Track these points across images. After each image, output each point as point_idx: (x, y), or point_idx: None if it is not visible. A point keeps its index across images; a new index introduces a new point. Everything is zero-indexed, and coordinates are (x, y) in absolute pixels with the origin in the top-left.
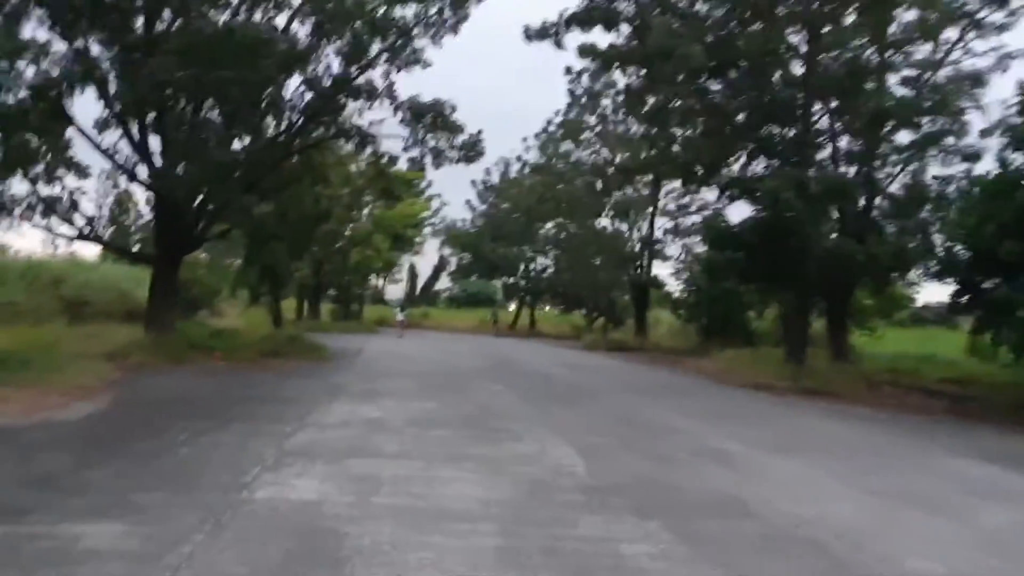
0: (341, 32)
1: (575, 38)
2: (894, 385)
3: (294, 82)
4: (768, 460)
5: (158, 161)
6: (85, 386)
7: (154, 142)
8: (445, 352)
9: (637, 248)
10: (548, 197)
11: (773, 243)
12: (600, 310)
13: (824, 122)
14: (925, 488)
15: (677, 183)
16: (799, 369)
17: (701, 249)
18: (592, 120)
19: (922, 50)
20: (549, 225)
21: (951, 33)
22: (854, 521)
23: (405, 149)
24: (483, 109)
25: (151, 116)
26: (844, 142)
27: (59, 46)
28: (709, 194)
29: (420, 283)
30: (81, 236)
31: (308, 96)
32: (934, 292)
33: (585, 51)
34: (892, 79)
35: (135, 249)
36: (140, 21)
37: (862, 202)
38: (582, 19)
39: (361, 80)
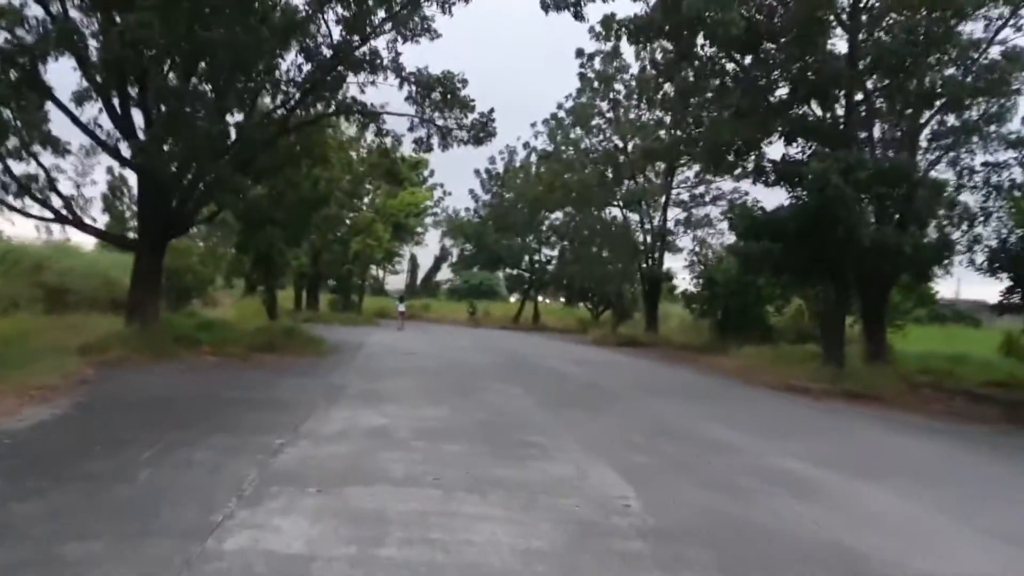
0: None
1: (597, 9)
2: (934, 388)
3: (291, 52)
4: (852, 488)
5: (143, 137)
6: (48, 385)
7: (138, 117)
8: (449, 347)
9: (648, 240)
10: (557, 185)
11: (815, 232)
12: (607, 303)
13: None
14: None
15: (690, 173)
16: (837, 370)
17: (717, 240)
18: (604, 106)
19: (969, 28)
20: (555, 215)
21: (1002, 10)
22: None
23: (411, 128)
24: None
25: (134, 89)
26: (880, 125)
27: (35, 11)
28: (725, 183)
29: (421, 274)
30: (58, 218)
31: (306, 67)
32: (946, 288)
33: (607, 23)
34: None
35: (124, 234)
36: None
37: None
38: None
39: (364, 51)
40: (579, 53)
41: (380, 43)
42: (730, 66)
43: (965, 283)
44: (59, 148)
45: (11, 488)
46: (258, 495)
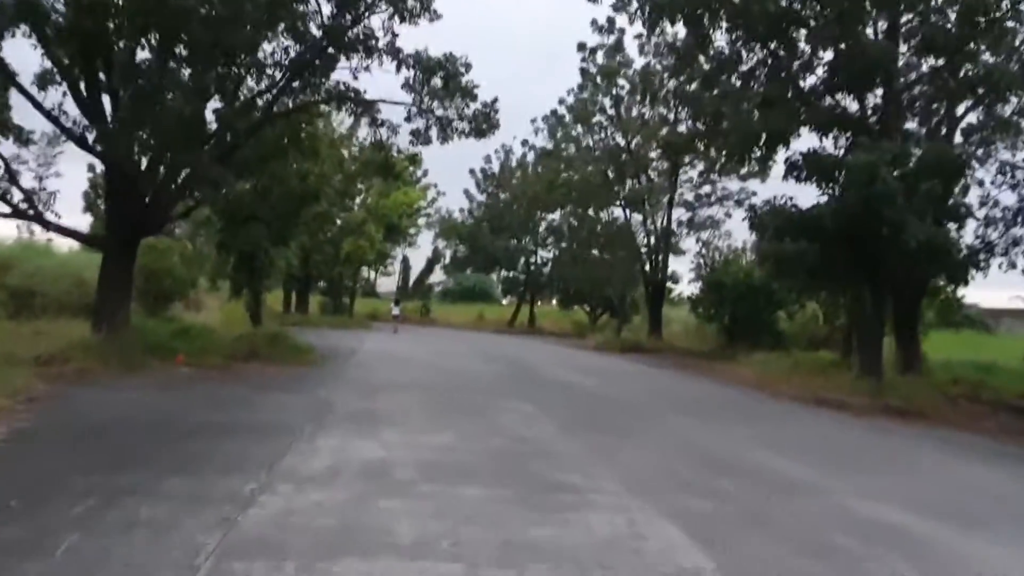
0: None
1: None
2: (970, 400)
3: (276, 30)
4: (971, 548)
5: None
6: None
7: (109, 104)
8: (447, 354)
9: (652, 241)
10: (558, 184)
11: (856, 232)
12: (606, 307)
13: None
14: None
15: (694, 172)
16: (875, 383)
17: (724, 242)
18: (607, 102)
19: None
20: (553, 216)
21: None
22: None
23: (408, 118)
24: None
25: (101, 73)
26: (912, 117)
27: None
28: (732, 183)
29: (413, 276)
30: (16, 213)
31: (293, 48)
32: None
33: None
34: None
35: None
36: None
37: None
38: None
39: (357, 31)
40: (581, 47)
41: (375, 23)
42: (756, 53)
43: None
44: (21, 137)
45: None
46: None
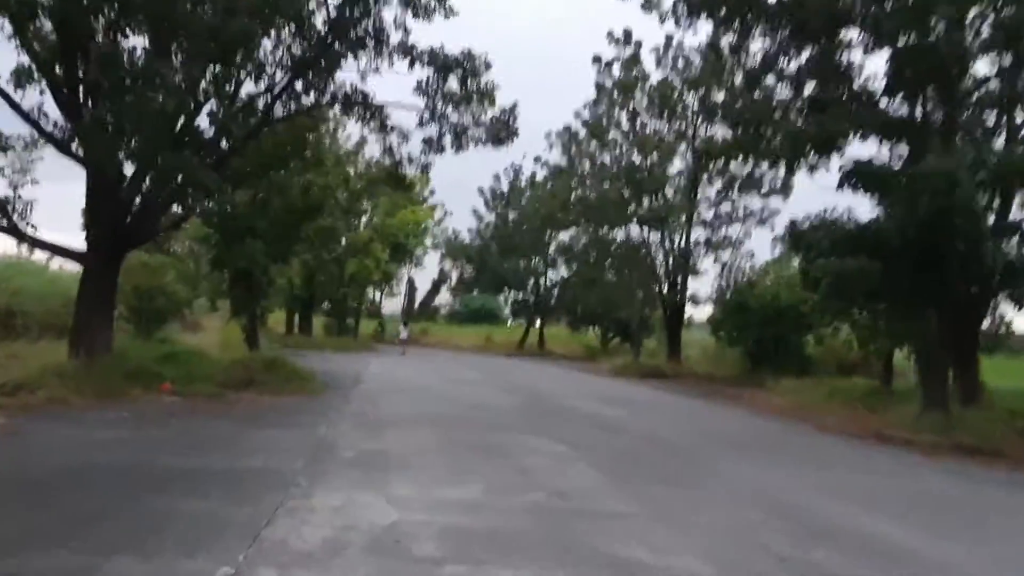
0: None
1: None
2: None
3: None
4: None
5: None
6: None
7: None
8: (459, 381)
9: (670, 262)
10: (574, 202)
11: (926, 248)
12: (618, 330)
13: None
14: None
15: (711, 191)
16: (944, 418)
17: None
18: (623, 116)
19: None
20: (564, 236)
21: None
22: None
23: (420, 124)
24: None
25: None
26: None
27: None
28: (754, 201)
29: (419, 298)
30: None
31: (295, 46)
32: None
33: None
34: None
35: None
36: None
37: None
38: None
39: (366, 26)
40: (596, 60)
41: (386, 17)
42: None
43: None
44: None
45: None
46: None
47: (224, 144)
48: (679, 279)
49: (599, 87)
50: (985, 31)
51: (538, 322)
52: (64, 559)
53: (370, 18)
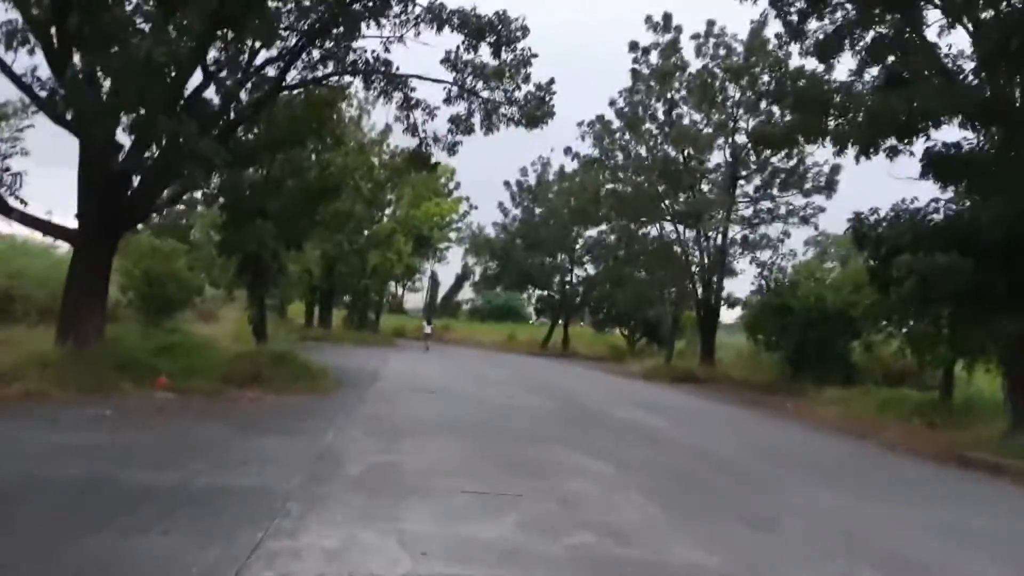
0: None
1: None
2: None
3: None
4: None
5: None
6: None
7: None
8: (483, 380)
9: (707, 260)
10: (605, 195)
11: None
12: (645, 330)
13: None
14: None
15: (749, 188)
16: None
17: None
18: (659, 107)
19: None
20: (592, 232)
21: None
22: None
23: (447, 101)
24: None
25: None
26: None
27: None
28: (796, 198)
29: (441, 293)
30: None
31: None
32: None
33: None
34: None
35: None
36: None
37: None
38: None
39: None
40: (633, 46)
41: None
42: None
43: None
44: None
45: None
46: None
47: (232, 115)
48: (714, 279)
49: (635, 74)
50: None
51: (562, 321)
52: None
53: None
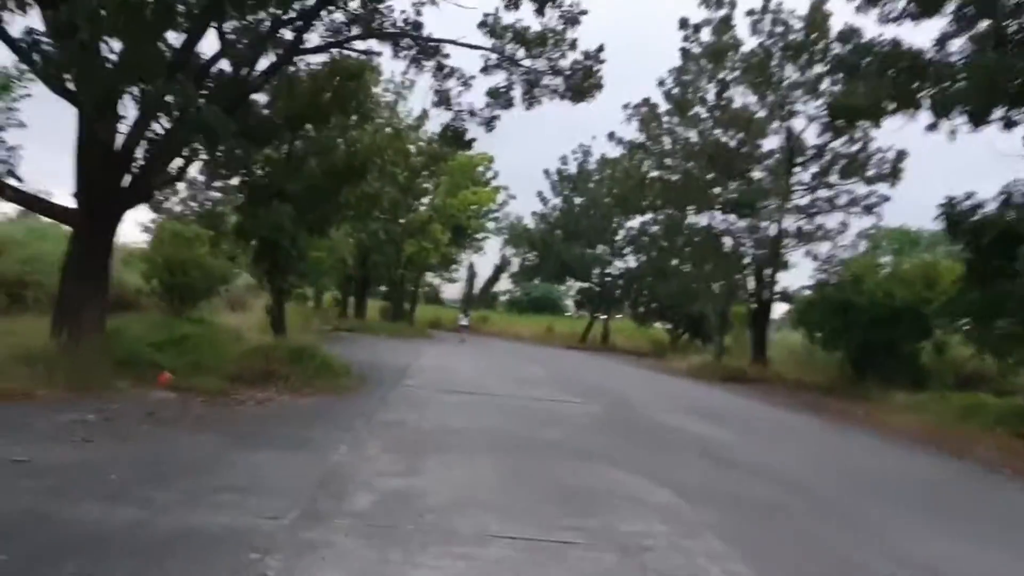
0: None
1: None
2: None
3: None
4: None
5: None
6: None
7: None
8: (522, 379)
9: (758, 252)
10: (652, 181)
11: None
12: (688, 325)
13: None
14: None
15: (806, 175)
16: None
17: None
18: (710, 89)
19: None
20: (634, 222)
21: None
22: None
23: (484, 70)
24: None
25: None
26: None
27: None
28: (858, 186)
29: (479, 284)
30: None
31: None
32: None
33: None
34: None
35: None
36: None
37: None
38: None
39: None
40: (683, 24)
41: None
42: None
43: None
44: None
45: None
46: None
47: (245, 84)
48: (767, 272)
49: (685, 53)
50: None
51: (604, 314)
52: None
53: None
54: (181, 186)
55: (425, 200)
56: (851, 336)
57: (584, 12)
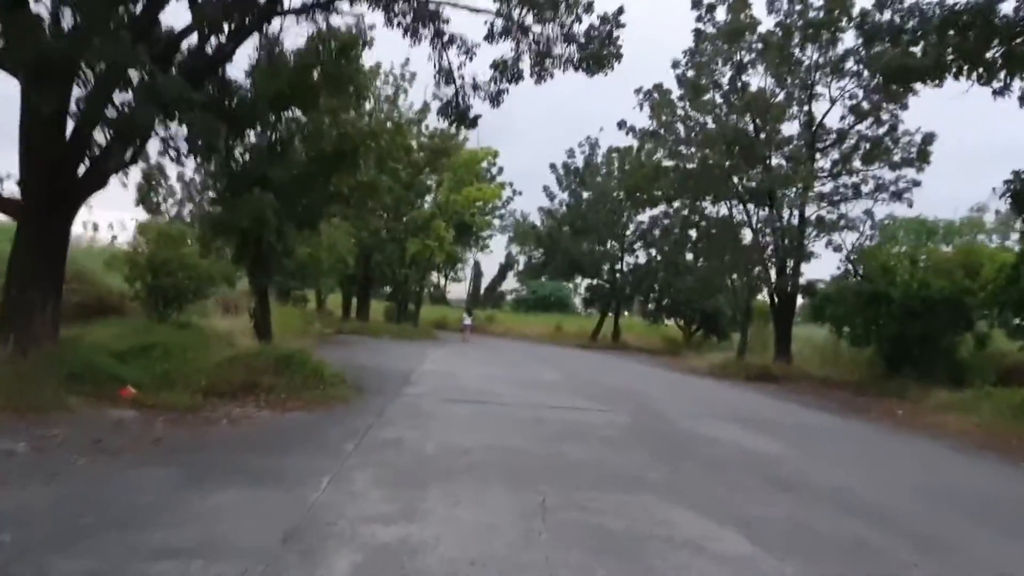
0: None
1: None
2: None
3: None
4: None
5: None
6: None
7: None
8: (535, 384)
9: (780, 243)
10: (669, 169)
11: None
12: (702, 321)
13: None
14: None
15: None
16: None
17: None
18: (725, 71)
19: None
20: (643, 217)
21: None
22: None
23: (489, 37)
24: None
25: None
26: None
27: None
28: (886, 172)
29: (484, 283)
30: None
31: None
32: None
33: None
34: None
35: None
36: None
37: None
38: None
39: None
40: (696, 3)
41: None
42: None
43: None
44: None
45: None
46: None
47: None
48: (790, 263)
49: (698, 34)
50: None
51: (612, 312)
52: None
53: None
54: (177, 187)
55: (428, 198)
56: (884, 329)
57: None
